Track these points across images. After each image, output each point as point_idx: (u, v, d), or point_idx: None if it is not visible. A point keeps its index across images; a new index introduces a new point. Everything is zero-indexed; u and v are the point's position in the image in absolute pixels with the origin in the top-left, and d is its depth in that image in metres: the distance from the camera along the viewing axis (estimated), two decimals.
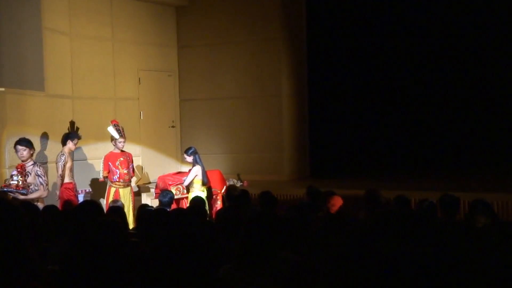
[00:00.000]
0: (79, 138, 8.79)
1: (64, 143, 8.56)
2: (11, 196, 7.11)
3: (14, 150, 7.58)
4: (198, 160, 8.98)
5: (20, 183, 7.27)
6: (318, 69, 12.11)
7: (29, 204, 5.83)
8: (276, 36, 11.53)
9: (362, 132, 12.80)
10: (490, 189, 8.81)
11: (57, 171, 8.33)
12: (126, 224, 6.00)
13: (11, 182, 7.28)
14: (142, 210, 6.17)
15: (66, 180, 8.28)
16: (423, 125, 12.54)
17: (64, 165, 8.28)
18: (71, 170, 8.42)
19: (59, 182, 8.28)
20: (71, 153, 8.60)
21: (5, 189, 7.22)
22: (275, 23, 11.53)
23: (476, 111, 12.18)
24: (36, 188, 7.43)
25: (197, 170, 8.88)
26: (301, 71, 11.93)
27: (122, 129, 9.07)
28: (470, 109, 12.23)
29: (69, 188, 8.23)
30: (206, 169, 9.21)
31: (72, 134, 8.78)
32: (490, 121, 12.02)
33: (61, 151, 8.45)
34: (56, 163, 8.37)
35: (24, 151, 7.44)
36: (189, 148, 9.16)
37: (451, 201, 5.79)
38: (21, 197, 7.17)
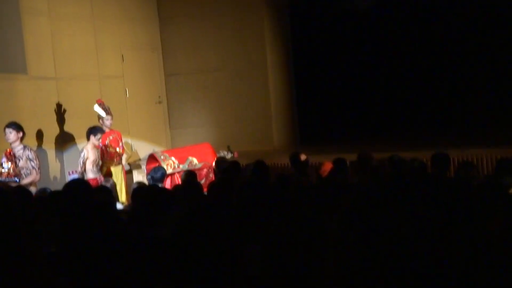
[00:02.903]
0: (102, 132, 8.41)
1: (87, 137, 8.31)
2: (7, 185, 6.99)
3: (3, 134, 7.44)
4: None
5: (11, 171, 7.15)
6: (302, 37, 12.03)
7: (22, 189, 5.79)
8: (259, 5, 11.42)
9: (349, 96, 12.77)
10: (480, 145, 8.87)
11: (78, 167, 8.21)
12: (114, 202, 5.98)
13: (2, 170, 7.15)
14: (136, 188, 6.15)
15: (90, 176, 8.06)
16: (411, 87, 12.51)
17: (84, 162, 8.10)
18: (96, 165, 8.19)
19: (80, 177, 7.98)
20: (94, 148, 8.26)
21: (5, 179, 7.09)
22: None
23: (462, 70, 12.15)
24: (28, 172, 7.34)
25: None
26: (285, 40, 11.85)
27: (108, 108, 9.01)
28: (457, 69, 12.20)
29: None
30: (195, 143, 9.13)
31: (94, 128, 8.36)
32: (478, 81, 12.00)
33: (84, 147, 8.29)
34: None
35: (10, 134, 7.31)
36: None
37: (442, 159, 5.84)
38: (14, 184, 7.04)
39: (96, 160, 8.19)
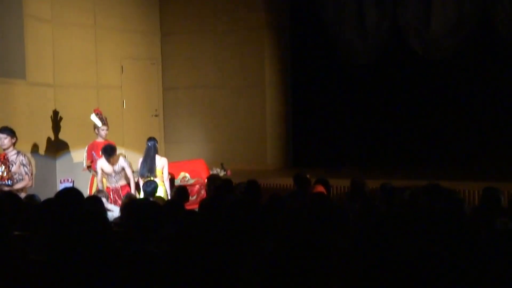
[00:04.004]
0: (107, 155, 8.22)
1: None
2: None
3: None
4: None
5: (5, 174, 7.13)
6: (301, 59, 12.09)
7: (11, 194, 5.76)
8: (259, 25, 11.50)
9: (345, 121, 12.79)
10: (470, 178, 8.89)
11: None
12: (105, 213, 5.96)
13: None
14: (127, 200, 6.14)
15: (100, 186, 8.36)
16: (406, 115, 12.53)
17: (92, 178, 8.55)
18: (105, 179, 8.48)
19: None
20: (107, 162, 8.37)
21: (1, 183, 7.08)
22: (259, 12, 11.50)
23: (459, 102, 12.19)
24: (21, 177, 7.31)
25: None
26: (284, 60, 11.92)
27: (105, 118, 9.01)
28: (453, 100, 12.24)
29: None
30: (189, 158, 9.15)
31: (106, 149, 8.25)
32: (470, 113, 12.03)
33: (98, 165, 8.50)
34: None
35: (5, 140, 7.29)
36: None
37: (434, 190, 5.85)
38: (6, 188, 7.02)
39: (112, 173, 8.37)
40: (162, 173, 8.60)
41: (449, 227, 3.35)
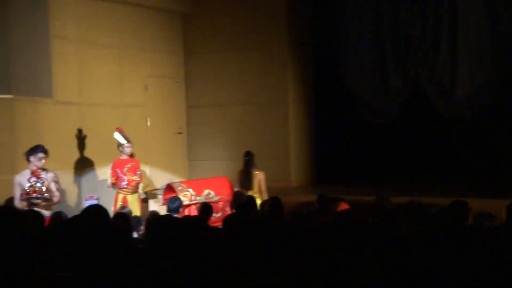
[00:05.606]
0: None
1: None
2: (38, 202, 7.10)
3: (25, 157, 7.45)
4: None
5: (44, 189, 7.26)
6: (324, 76, 12.08)
7: (34, 212, 5.83)
8: (282, 42, 11.54)
9: (369, 138, 12.71)
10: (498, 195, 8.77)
11: None
12: (131, 230, 6.00)
13: (37, 188, 7.24)
14: (151, 217, 6.16)
15: None
16: (432, 130, 12.41)
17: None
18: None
19: None
20: None
21: (39, 196, 7.18)
22: (282, 30, 11.55)
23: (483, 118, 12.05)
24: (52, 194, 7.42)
25: None
26: (307, 77, 11.93)
27: (128, 136, 9.08)
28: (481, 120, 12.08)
29: None
30: (213, 176, 9.26)
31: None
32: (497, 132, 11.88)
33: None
34: None
35: (45, 160, 7.44)
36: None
37: (461, 207, 5.78)
38: (43, 203, 7.15)
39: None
40: (258, 186, 9.15)
41: (477, 245, 3.31)
